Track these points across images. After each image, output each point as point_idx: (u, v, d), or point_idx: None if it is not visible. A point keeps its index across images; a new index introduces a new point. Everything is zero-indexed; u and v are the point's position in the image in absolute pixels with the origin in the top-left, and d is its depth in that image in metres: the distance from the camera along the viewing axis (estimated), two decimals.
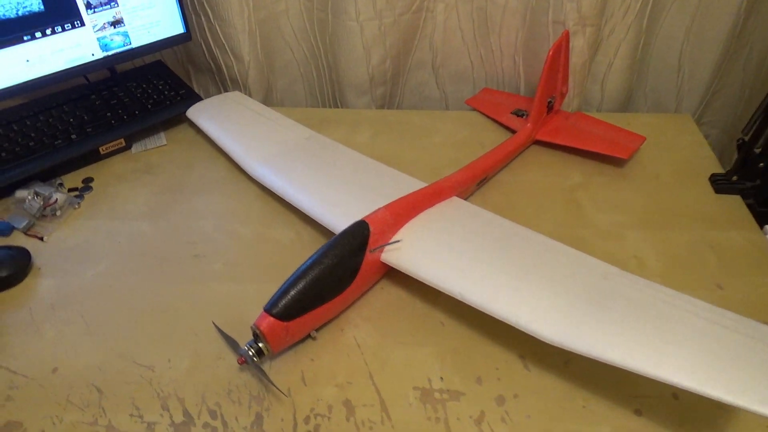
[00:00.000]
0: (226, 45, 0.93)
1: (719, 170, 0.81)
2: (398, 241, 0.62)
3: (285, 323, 0.55)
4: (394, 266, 0.62)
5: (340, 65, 0.96)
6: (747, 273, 0.68)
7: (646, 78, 0.99)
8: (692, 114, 1.00)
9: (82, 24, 0.79)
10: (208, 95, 0.94)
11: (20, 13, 0.73)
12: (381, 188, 0.72)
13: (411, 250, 0.62)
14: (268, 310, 0.55)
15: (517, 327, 0.54)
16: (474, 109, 0.95)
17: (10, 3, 0.72)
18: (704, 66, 0.95)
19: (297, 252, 0.70)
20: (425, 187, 0.69)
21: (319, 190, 0.73)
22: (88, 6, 0.78)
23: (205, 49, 0.96)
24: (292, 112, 0.90)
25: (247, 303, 0.64)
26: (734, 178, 0.77)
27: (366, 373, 0.58)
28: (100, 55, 0.82)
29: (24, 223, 0.73)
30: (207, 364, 0.59)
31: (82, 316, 0.63)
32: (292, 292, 0.55)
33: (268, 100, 1.01)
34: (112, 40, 0.82)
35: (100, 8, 0.79)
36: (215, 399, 0.56)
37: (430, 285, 0.60)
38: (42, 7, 0.75)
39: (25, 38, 0.75)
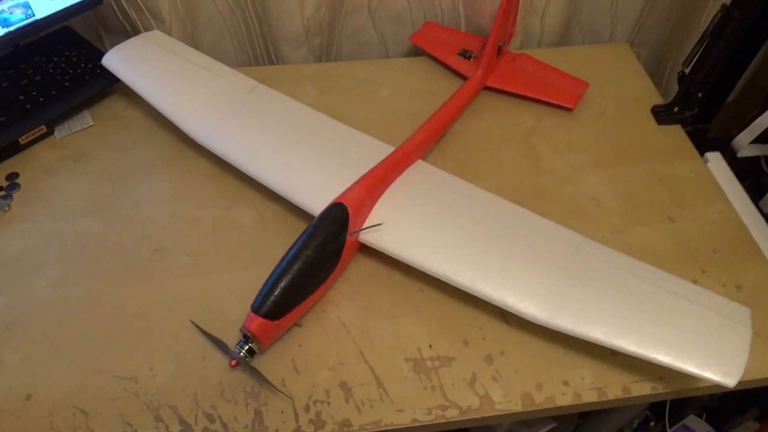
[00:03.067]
0: (141, 4, 0.83)
1: (660, 101, 0.84)
2: (379, 224, 0.61)
3: (275, 322, 0.54)
4: (373, 247, 0.61)
5: (271, 17, 0.89)
6: (695, 203, 0.72)
7: (582, 8, 0.98)
8: (626, 40, 1.02)
9: None
10: None
11: None
12: (344, 153, 0.70)
13: (390, 232, 0.62)
14: (257, 310, 0.53)
15: (504, 308, 0.57)
16: (417, 53, 0.92)
17: None
18: None
19: (262, 233, 0.68)
20: (391, 155, 0.68)
21: (278, 159, 0.69)
22: None
23: (117, 9, 0.86)
24: None
25: (221, 294, 0.63)
26: (675, 109, 0.81)
27: (357, 352, 0.59)
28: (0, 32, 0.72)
29: None
30: (193, 366, 0.57)
31: (45, 333, 0.59)
32: (279, 289, 0.54)
33: None
34: (12, 13, 0.71)
35: None
36: (209, 401, 0.55)
37: (415, 267, 0.60)
38: None
39: None
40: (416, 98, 0.85)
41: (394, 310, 0.62)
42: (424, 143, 0.72)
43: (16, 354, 0.58)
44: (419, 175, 0.68)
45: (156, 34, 0.83)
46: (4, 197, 0.70)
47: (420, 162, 0.70)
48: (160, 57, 0.79)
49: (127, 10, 0.85)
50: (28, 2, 0.72)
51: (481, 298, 0.58)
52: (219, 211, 0.70)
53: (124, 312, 0.61)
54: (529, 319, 0.56)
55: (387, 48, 1.01)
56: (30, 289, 0.62)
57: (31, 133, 0.74)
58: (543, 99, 0.83)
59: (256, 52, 0.98)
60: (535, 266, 0.59)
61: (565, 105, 0.82)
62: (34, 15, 0.74)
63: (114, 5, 0.85)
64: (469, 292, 0.58)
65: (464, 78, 0.86)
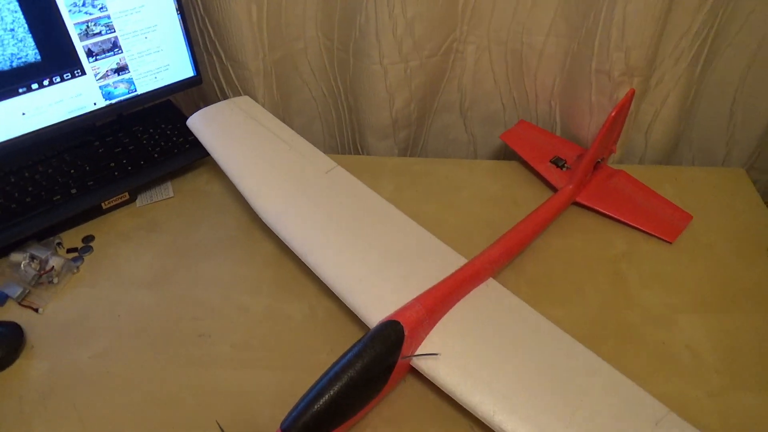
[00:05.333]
0: (239, 86, 0.87)
1: None
2: (435, 354, 0.55)
3: None
4: (425, 375, 0.55)
5: (360, 107, 0.89)
6: None
7: (693, 126, 0.91)
8: (743, 165, 0.92)
9: (83, 73, 0.73)
10: None
11: (15, 64, 0.67)
12: (412, 257, 0.65)
13: (446, 364, 0.55)
14: (286, 431, 0.48)
15: None
16: (507, 155, 0.87)
17: (2, 54, 0.66)
18: (760, 113, 0.87)
19: (310, 332, 0.65)
20: (460, 271, 0.62)
21: (339, 253, 0.65)
22: (90, 54, 0.72)
23: (217, 88, 0.90)
24: None
25: (255, 395, 0.59)
26: None
27: None
28: (102, 104, 0.76)
29: (18, 292, 0.67)
30: None
31: (75, 407, 0.58)
32: (314, 411, 0.49)
33: None
34: (115, 87, 0.76)
35: (103, 56, 0.73)
36: None
37: (466, 408, 0.53)
38: (38, 57, 0.69)
39: (20, 90, 0.69)
40: (498, 205, 0.80)
41: None
42: (499, 260, 0.66)
43: (43, 426, 0.56)
44: (488, 297, 0.62)
45: (245, 100, 0.85)
46: (75, 259, 0.72)
47: (491, 281, 0.64)
48: (243, 124, 0.80)
49: (226, 90, 0.89)
50: (132, 78, 0.76)
51: None
52: (271, 301, 0.67)
53: (155, 398, 0.58)
54: None
55: (476, 147, 0.98)
56: (75, 358, 0.62)
57: (114, 199, 0.77)
58: (638, 227, 0.74)
59: (344, 139, 0.98)
60: None
61: (663, 237, 0.73)
62: (136, 90, 0.78)
63: (215, 84, 0.89)
64: None
65: (554, 189, 0.80)
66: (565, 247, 0.74)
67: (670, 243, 0.73)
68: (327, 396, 0.50)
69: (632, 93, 0.75)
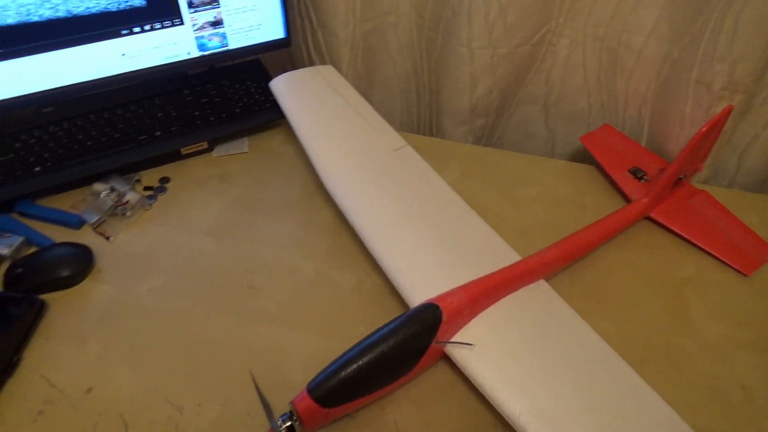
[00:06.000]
0: (326, 54, 0.88)
1: None
2: (470, 344, 0.55)
3: (326, 409, 0.50)
4: (456, 364, 0.55)
5: (442, 90, 0.88)
6: None
7: None
8: None
9: (182, 22, 0.77)
10: None
11: (121, 7, 0.72)
12: (465, 246, 0.64)
13: (479, 356, 0.54)
14: (311, 391, 0.50)
15: None
16: (586, 158, 0.84)
17: None
18: None
19: (353, 303, 0.65)
20: (511, 267, 0.61)
21: (393, 230, 0.66)
22: (190, 5, 0.76)
23: (305, 53, 0.92)
24: None
25: (290, 354, 0.60)
26: None
27: None
28: (195, 54, 0.80)
29: (95, 219, 0.72)
30: (236, 419, 0.55)
31: (128, 334, 0.62)
32: (341, 377, 0.50)
33: None
34: (209, 40, 0.79)
35: (202, 8, 0.77)
36: None
37: (492, 403, 0.52)
38: (144, 2, 0.73)
39: (123, 32, 0.74)
40: (565, 207, 0.77)
41: None
42: (554, 263, 0.64)
43: (98, 345, 0.61)
44: (536, 298, 0.60)
45: (328, 69, 0.86)
46: (149, 197, 0.76)
47: (542, 283, 0.62)
48: (323, 92, 0.81)
49: (313, 55, 0.90)
50: (225, 33, 0.79)
51: None
52: (321, 267, 0.69)
53: (200, 339, 0.62)
54: None
55: (554, 144, 0.94)
56: (134, 288, 0.66)
57: (194, 146, 0.81)
58: (712, 253, 0.70)
59: (421, 121, 0.98)
60: None
61: (738, 268, 0.68)
62: (227, 45, 0.81)
63: (303, 49, 0.91)
64: None
65: (627, 200, 0.76)
66: (628, 261, 0.70)
67: (746, 276, 0.68)
68: (355, 365, 0.51)
69: (729, 109, 0.70)
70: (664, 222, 0.72)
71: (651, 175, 0.78)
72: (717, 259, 0.70)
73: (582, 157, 0.91)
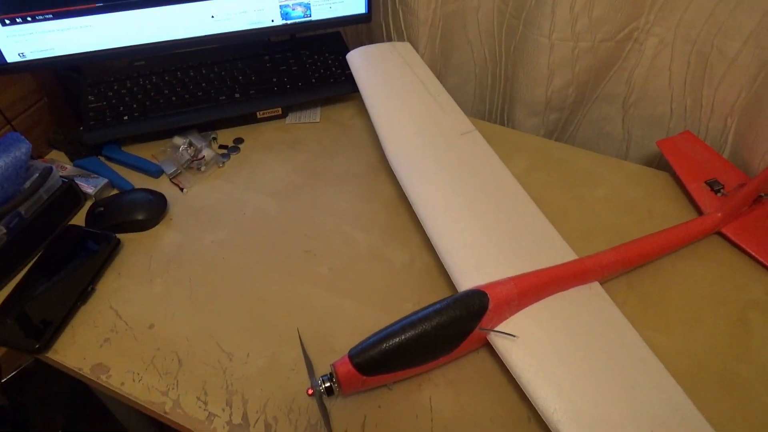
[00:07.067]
0: (405, 32, 0.89)
1: None
2: (513, 336, 0.55)
3: (364, 377, 0.51)
4: (498, 353, 0.55)
5: (517, 79, 0.87)
6: None
7: None
8: None
9: None
10: None
11: None
12: (521, 240, 0.64)
13: (521, 349, 0.54)
14: (351, 357, 0.52)
15: None
16: (661, 165, 0.80)
17: None
18: None
19: (403, 280, 0.67)
20: (565, 265, 0.60)
21: (451, 213, 0.66)
22: None
23: (384, 31, 0.93)
24: None
25: (337, 319, 0.62)
26: None
27: None
28: (279, 22, 0.82)
29: (172, 170, 0.77)
30: (280, 372, 0.58)
31: (190, 280, 0.66)
32: (382, 348, 0.51)
33: None
34: (293, 9, 0.81)
35: None
36: (274, 412, 0.55)
37: (528, 397, 0.52)
38: None
39: None
40: (632, 212, 0.75)
41: (490, 425, 0.55)
42: (612, 266, 0.63)
43: (163, 286, 0.65)
44: (587, 300, 0.59)
45: (405, 47, 0.87)
46: (223, 155, 0.80)
47: (596, 285, 0.61)
48: (397, 68, 0.82)
49: (392, 33, 0.91)
50: (309, 4, 0.81)
51: None
52: (377, 241, 0.70)
53: (253, 292, 0.65)
54: None
55: (628, 147, 0.91)
56: (200, 237, 0.70)
57: (269, 111, 0.84)
58: None
59: (494, 108, 0.97)
60: None
61: None
62: (310, 15, 0.83)
63: (383, 26, 0.92)
64: None
65: (699, 212, 0.73)
66: (692, 275, 0.67)
67: None
68: (397, 339, 0.52)
69: None
70: (736, 240, 0.69)
71: (729, 189, 0.74)
72: None
73: (657, 163, 0.88)
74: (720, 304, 0.65)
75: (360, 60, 0.83)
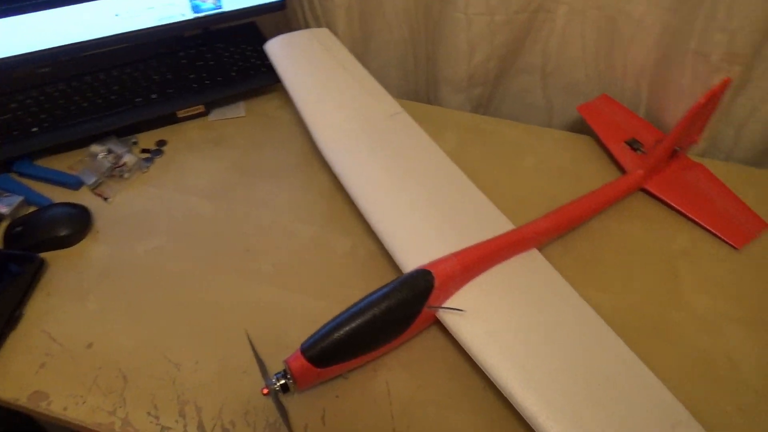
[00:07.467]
0: (322, 18, 0.87)
1: None
2: (461, 310, 0.56)
3: (318, 369, 0.51)
4: (447, 329, 0.56)
5: (438, 57, 0.88)
6: None
7: None
8: None
9: None
10: None
11: None
12: (459, 214, 0.65)
13: (470, 322, 0.55)
14: (304, 351, 0.51)
15: None
16: (584, 129, 0.83)
17: None
18: None
19: (348, 268, 0.66)
20: (504, 236, 0.61)
21: (388, 196, 0.66)
22: None
23: (301, 17, 0.91)
24: None
25: (285, 315, 0.62)
26: None
27: (390, 428, 0.54)
28: (190, 15, 0.79)
29: (92, 180, 0.73)
30: (231, 375, 0.57)
31: (126, 293, 0.63)
32: (333, 338, 0.51)
33: None
34: (203, 1, 0.79)
35: None
36: (231, 416, 0.54)
37: (482, 368, 0.53)
38: None
39: None
40: (561, 178, 0.77)
41: (447, 400, 0.56)
42: (547, 233, 0.65)
43: (97, 302, 0.62)
44: (527, 267, 0.61)
45: (323, 32, 0.86)
46: (146, 159, 0.76)
47: (534, 252, 0.63)
48: (318, 55, 0.81)
49: (309, 20, 0.89)
50: None
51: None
52: (318, 231, 0.70)
53: (197, 297, 0.63)
54: None
55: (551, 115, 0.94)
56: (132, 248, 0.67)
57: (190, 109, 0.81)
58: (704, 225, 0.70)
59: (418, 88, 0.97)
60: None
61: (729, 241, 0.69)
62: (221, 7, 0.80)
63: (299, 13, 0.90)
64: (528, 421, 0.50)
65: (623, 171, 0.77)
66: (621, 233, 0.71)
67: (737, 249, 0.69)
68: (348, 327, 0.52)
69: (727, 82, 0.70)
70: (658, 194, 0.73)
71: (647, 147, 0.78)
72: (709, 232, 0.70)
73: (580, 127, 0.91)
74: (650, 256, 0.69)
75: (279, 49, 0.81)
